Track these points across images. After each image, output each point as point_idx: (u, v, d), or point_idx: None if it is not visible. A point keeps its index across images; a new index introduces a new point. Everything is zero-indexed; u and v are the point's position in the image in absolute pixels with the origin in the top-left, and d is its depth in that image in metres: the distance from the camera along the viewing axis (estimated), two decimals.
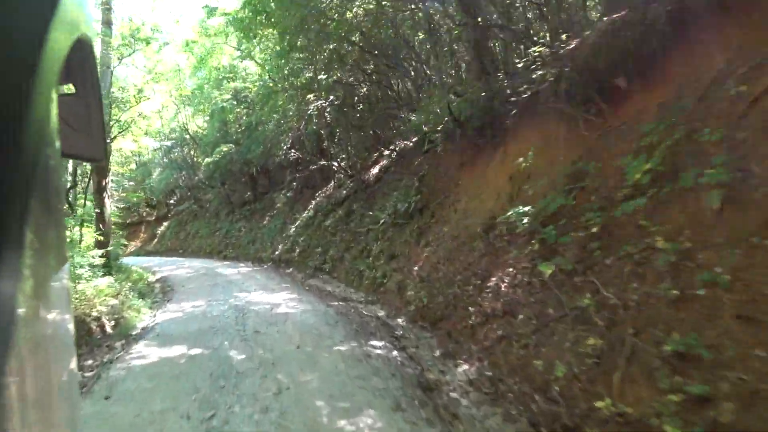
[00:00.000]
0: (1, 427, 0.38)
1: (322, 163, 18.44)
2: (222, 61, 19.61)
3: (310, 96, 11.48)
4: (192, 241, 23.32)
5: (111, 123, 11.63)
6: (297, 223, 16.67)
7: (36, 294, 0.49)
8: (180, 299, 9.29)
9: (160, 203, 29.72)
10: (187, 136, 23.95)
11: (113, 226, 13.86)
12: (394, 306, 7.07)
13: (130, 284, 9.54)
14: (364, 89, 12.97)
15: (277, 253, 16.04)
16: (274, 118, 16.95)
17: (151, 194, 28.00)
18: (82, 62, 0.69)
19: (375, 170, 14.39)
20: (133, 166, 29.58)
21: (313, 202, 17.24)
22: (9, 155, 0.41)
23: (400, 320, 6.45)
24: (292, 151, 17.66)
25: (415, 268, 7.17)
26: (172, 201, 27.72)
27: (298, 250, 14.53)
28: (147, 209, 30.67)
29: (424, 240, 7.66)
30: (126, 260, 21.04)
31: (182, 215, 26.01)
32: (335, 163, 16.46)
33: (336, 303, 7.84)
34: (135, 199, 26.34)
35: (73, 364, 0.69)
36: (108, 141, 11.42)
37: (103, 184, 11.45)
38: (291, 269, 13.92)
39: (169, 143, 24.16)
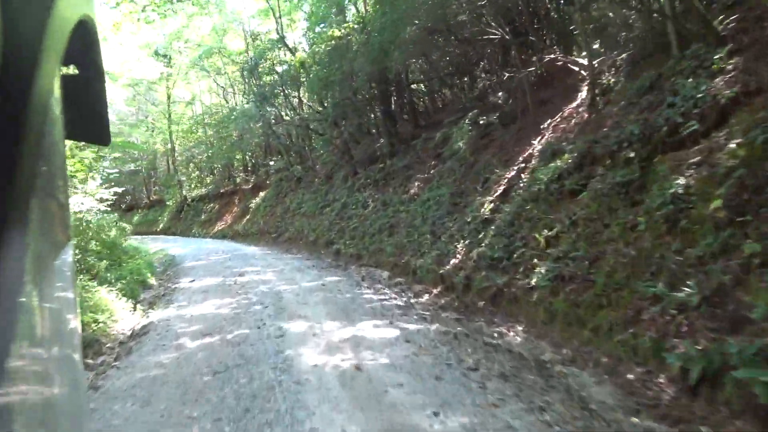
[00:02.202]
0: (6, 414, 0.39)
1: (553, 56, 8.55)
2: None
3: None
4: (291, 220, 15.01)
5: None
6: (498, 194, 7.13)
7: (41, 272, 0.50)
8: None
9: (258, 166, 22.21)
10: (284, 54, 15.42)
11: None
12: None
13: None
14: None
15: (455, 263, 6.62)
16: None
17: (238, 145, 20.35)
18: (85, 44, 0.68)
19: None
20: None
21: (537, 144, 7.50)
22: (13, 136, 0.42)
23: None
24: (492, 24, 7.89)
25: None
26: (272, 162, 19.86)
27: (543, 272, 4.79)
28: (243, 174, 23.44)
29: None
30: (183, 252, 13.30)
31: (281, 181, 17.89)
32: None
33: None
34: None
35: (77, 341, 0.68)
36: None
37: None
38: (530, 336, 4.29)
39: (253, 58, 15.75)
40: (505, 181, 7.64)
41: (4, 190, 0.40)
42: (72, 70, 0.70)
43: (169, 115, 24.20)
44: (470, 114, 7.96)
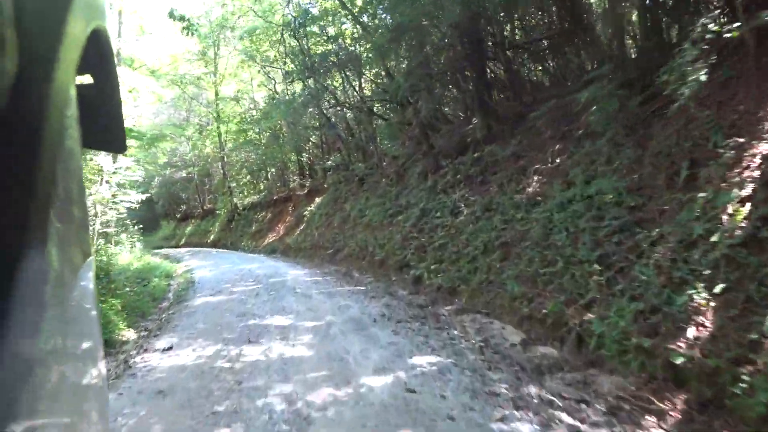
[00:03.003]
0: (30, 419, 0.38)
1: None
2: None
3: None
4: (351, 232, 11.81)
5: None
6: (762, 183, 3.31)
7: (61, 287, 0.49)
8: None
9: (314, 168, 19.33)
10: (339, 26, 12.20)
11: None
12: None
13: None
14: None
15: (701, 337, 2.88)
16: None
17: (289, 142, 17.39)
18: (99, 52, 0.70)
19: None
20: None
21: None
22: (30, 147, 0.42)
23: None
24: None
25: None
26: (329, 161, 16.75)
27: None
28: (297, 177, 20.61)
29: None
30: (210, 275, 10.42)
31: (339, 184, 14.73)
32: None
33: None
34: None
35: (100, 355, 0.68)
36: None
37: None
38: None
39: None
40: (758, 158, 3.91)
41: (24, 199, 0.40)
42: (87, 79, 0.71)
43: (218, 115, 21.83)
44: (703, 20, 4.09)
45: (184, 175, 29.12)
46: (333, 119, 14.00)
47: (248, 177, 24.46)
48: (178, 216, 32.53)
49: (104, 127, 0.80)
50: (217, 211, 24.80)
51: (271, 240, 17.95)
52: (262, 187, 23.59)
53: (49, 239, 0.43)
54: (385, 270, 8.93)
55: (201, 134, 24.16)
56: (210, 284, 8.70)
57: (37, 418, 0.38)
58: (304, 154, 20.66)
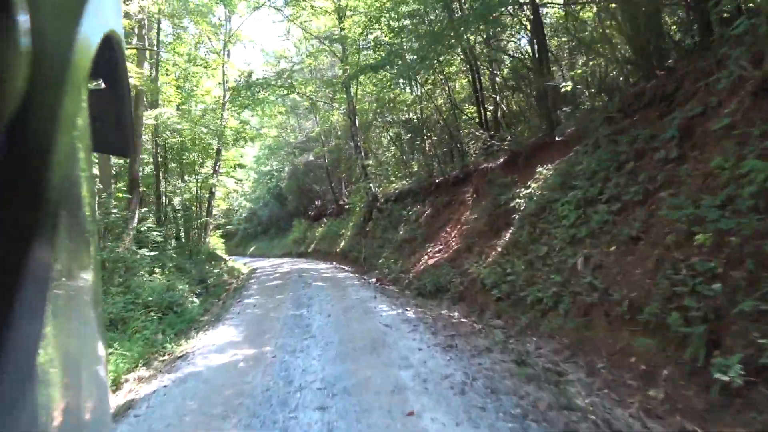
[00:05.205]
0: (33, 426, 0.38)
1: None
2: None
3: None
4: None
5: None
6: None
7: (66, 294, 0.50)
8: None
9: (514, 119, 10.00)
10: None
11: None
12: None
13: None
14: None
15: None
16: None
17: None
18: (111, 57, 0.68)
19: None
20: None
21: None
22: (43, 152, 0.43)
23: None
24: None
25: None
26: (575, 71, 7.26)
27: None
28: (480, 139, 11.37)
29: None
30: None
31: (584, 153, 5.12)
32: None
33: None
34: None
35: (103, 362, 0.66)
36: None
37: None
38: None
39: None
40: None
41: (33, 205, 0.41)
42: (98, 84, 0.70)
43: (343, 52, 13.59)
44: None
45: (311, 158, 21.96)
46: None
47: (393, 149, 15.95)
48: (311, 214, 25.76)
49: (113, 132, 0.78)
50: (348, 206, 16.89)
51: (433, 259, 8.97)
52: (415, 167, 14.85)
53: (57, 245, 0.43)
54: None
55: (336, 94, 16.32)
56: None
57: (40, 426, 0.38)
58: (488, 105, 11.41)
